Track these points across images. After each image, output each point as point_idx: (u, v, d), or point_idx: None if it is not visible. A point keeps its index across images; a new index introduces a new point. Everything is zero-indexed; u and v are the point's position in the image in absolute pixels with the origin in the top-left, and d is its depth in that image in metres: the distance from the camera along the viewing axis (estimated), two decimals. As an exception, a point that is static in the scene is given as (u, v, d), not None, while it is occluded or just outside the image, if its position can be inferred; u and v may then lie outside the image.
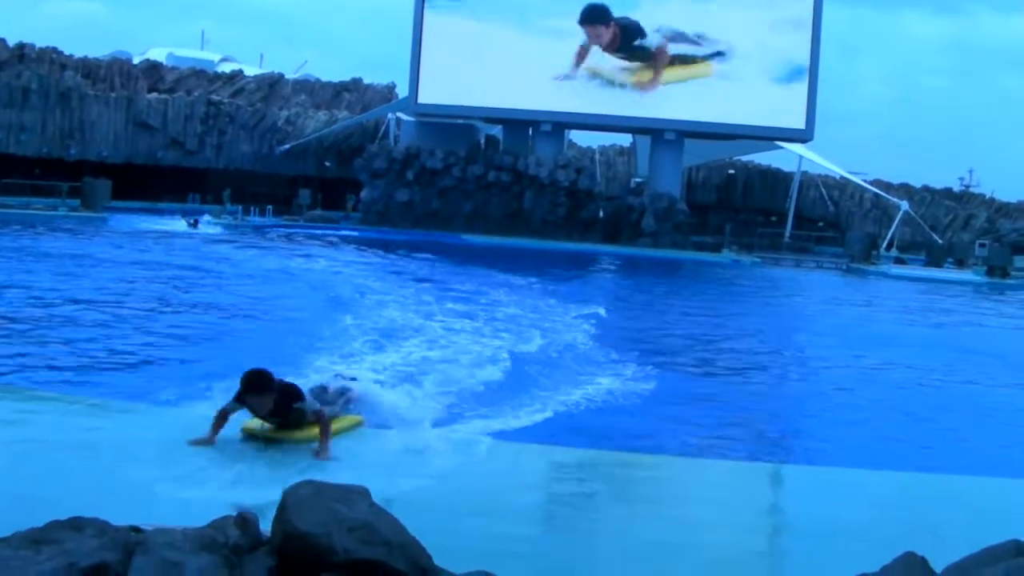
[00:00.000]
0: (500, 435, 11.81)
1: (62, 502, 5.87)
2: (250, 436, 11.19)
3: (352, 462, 9.66)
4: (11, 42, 79.65)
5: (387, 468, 8.92)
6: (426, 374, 15.72)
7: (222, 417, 11.01)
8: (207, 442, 10.67)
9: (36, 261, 32.18)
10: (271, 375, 11.17)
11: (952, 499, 9.27)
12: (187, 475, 8.84)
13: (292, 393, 11.22)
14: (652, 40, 73.54)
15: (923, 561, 4.93)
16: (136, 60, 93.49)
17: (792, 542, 8.06)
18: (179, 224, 56.64)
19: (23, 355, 15.79)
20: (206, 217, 61.24)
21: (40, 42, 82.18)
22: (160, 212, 67.23)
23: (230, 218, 65.38)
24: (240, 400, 10.98)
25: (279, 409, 11.10)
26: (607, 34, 74.06)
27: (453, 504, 7.69)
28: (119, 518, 4.73)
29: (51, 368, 15.01)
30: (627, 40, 73.82)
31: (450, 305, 26.35)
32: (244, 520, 4.89)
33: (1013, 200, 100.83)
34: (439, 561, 4.76)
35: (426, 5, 74.47)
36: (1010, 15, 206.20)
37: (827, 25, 73.63)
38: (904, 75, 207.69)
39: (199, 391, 12.89)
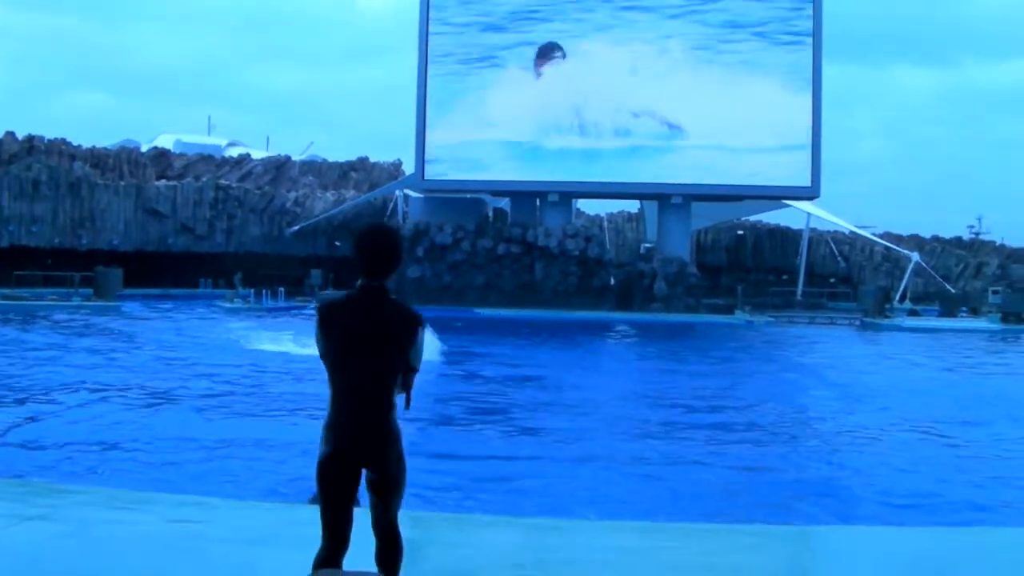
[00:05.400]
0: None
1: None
2: None
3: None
4: (20, 135, 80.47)
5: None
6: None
7: None
8: None
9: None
10: None
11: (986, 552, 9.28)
12: None
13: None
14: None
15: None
16: (144, 148, 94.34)
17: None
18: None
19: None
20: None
21: (49, 134, 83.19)
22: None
23: (242, 302, 65.49)
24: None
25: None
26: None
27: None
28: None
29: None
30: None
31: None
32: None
33: (1023, 245, 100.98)
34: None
35: (428, 82, 74.95)
36: (995, 62, 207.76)
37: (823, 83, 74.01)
38: (902, 127, 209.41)
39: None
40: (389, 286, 5.93)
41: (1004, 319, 65.23)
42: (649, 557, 8.77)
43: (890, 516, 14.11)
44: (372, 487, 5.86)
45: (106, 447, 17.61)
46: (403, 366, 5.90)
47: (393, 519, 5.93)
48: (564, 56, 74.97)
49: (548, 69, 75.11)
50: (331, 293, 75.10)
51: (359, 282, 5.89)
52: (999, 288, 77.92)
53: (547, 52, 75.16)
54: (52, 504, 10.08)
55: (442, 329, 47.06)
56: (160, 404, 22.99)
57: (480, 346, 34.37)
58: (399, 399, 5.93)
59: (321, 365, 5.76)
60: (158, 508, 10.10)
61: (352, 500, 5.87)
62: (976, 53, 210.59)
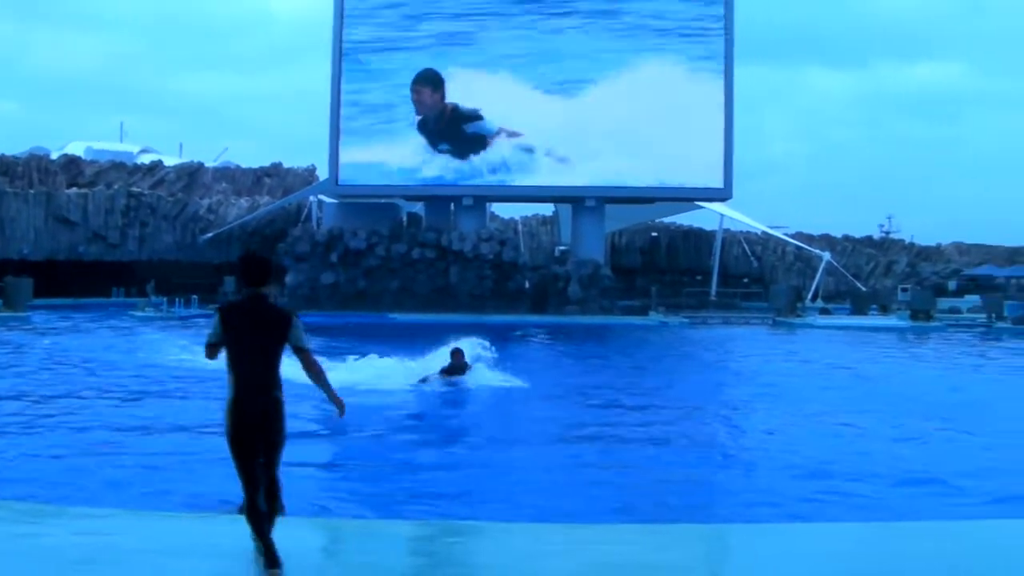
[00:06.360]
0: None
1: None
2: None
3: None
4: (-75, 145, 79.26)
5: (301, 561, 8.81)
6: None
7: None
8: None
9: None
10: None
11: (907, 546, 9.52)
12: None
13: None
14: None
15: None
16: (54, 155, 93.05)
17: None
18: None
19: None
20: None
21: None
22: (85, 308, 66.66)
23: (154, 310, 64.88)
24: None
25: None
26: (428, 98, 75.25)
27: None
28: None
29: None
30: (457, 123, 75.54)
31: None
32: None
33: (932, 243, 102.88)
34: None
35: (342, 87, 74.75)
36: (904, 64, 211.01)
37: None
38: (813, 128, 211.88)
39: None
40: (267, 293, 8.09)
41: (913, 316, 66.33)
42: (567, 558, 8.89)
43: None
44: (263, 445, 7.90)
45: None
46: (280, 352, 7.99)
47: (276, 472, 8.08)
48: (443, 86, 75.35)
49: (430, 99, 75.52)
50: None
51: (244, 291, 8.11)
52: (908, 286, 79.32)
53: (428, 82, 75.58)
54: (-49, 520, 10.02)
55: (357, 335, 46.99)
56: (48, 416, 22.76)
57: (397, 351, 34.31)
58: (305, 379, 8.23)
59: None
60: (64, 521, 10.09)
61: (257, 455, 7.88)
62: (886, 56, 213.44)
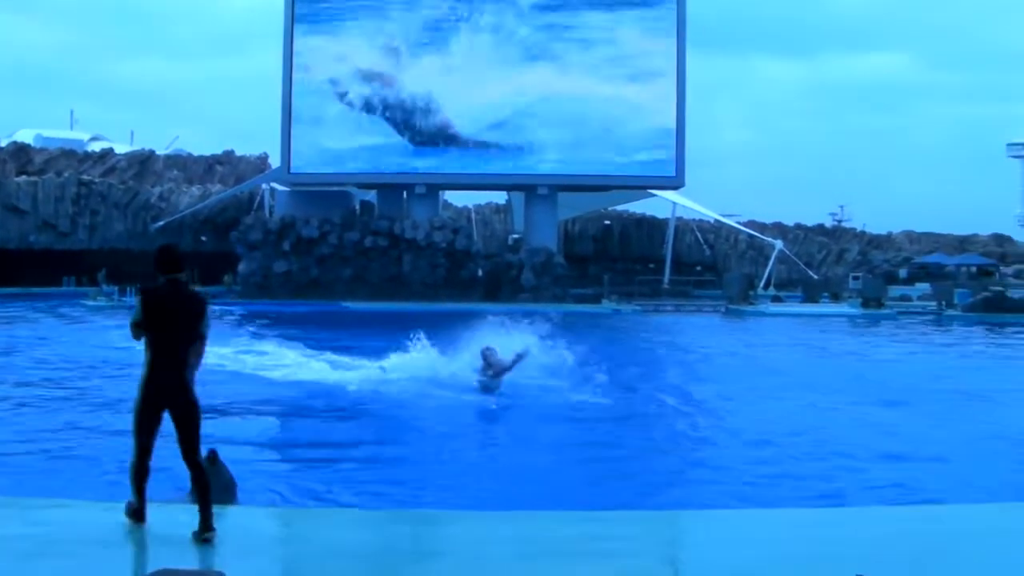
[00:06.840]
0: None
1: None
2: None
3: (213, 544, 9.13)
4: None
5: (247, 549, 8.78)
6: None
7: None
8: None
9: None
10: None
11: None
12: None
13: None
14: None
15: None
16: (3, 143, 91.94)
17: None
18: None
19: None
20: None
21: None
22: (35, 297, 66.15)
23: (105, 300, 64.43)
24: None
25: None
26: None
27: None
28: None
29: None
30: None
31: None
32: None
33: (883, 232, 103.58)
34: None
35: (294, 74, 74.36)
36: (854, 55, 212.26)
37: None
38: (765, 118, 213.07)
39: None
40: (183, 278, 8.62)
41: (864, 304, 66.81)
42: (518, 544, 8.88)
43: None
44: (179, 423, 8.51)
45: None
46: (195, 336, 8.55)
47: (197, 453, 8.61)
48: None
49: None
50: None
51: (162, 278, 8.53)
52: (860, 274, 79.95)
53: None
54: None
55: (312, 323, 46.82)
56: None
57: (354, 340, 34.25)
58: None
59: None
60: (15, 512, 9.96)
61: (157, 427, 8.55)
62: (835, 46, 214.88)
